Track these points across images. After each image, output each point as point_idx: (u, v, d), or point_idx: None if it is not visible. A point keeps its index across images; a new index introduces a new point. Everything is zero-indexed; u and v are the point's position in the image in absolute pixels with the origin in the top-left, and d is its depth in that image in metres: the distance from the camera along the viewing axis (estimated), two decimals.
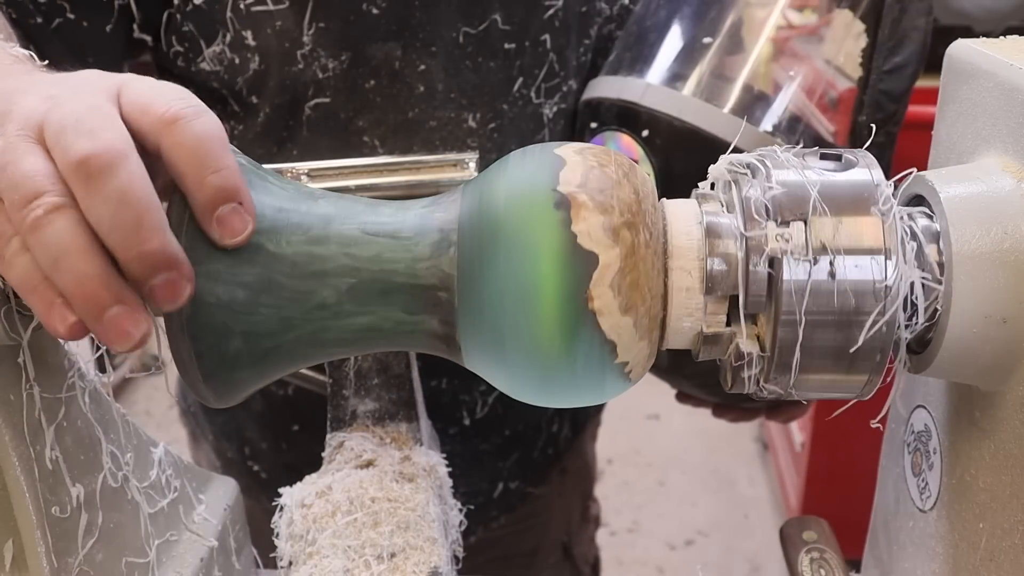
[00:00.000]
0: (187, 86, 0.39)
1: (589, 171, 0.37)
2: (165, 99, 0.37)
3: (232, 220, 0.37)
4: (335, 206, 0.40)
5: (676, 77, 0.69)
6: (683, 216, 0.39)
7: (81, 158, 0.34)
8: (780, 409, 0.86)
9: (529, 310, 0.37)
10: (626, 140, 0.69)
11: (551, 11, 0.73)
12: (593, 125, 0.72)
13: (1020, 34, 0.46)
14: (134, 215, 0.34)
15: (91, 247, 0.34)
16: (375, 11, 0.69)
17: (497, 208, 0.38)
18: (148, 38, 0.71)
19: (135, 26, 0.70)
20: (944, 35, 0.57)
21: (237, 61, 0.69)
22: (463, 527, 0.60)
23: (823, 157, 0.40)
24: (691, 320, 0.39)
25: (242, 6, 0.68)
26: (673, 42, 0.72)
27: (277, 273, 0.38)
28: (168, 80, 0.77)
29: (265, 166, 0.43)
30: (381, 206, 0.41)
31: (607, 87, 0.72)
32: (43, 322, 0.36)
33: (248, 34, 0.68)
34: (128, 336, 0.35)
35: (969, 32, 1.54)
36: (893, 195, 0.38)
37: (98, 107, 0.36)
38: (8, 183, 0.34)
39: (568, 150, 0.39)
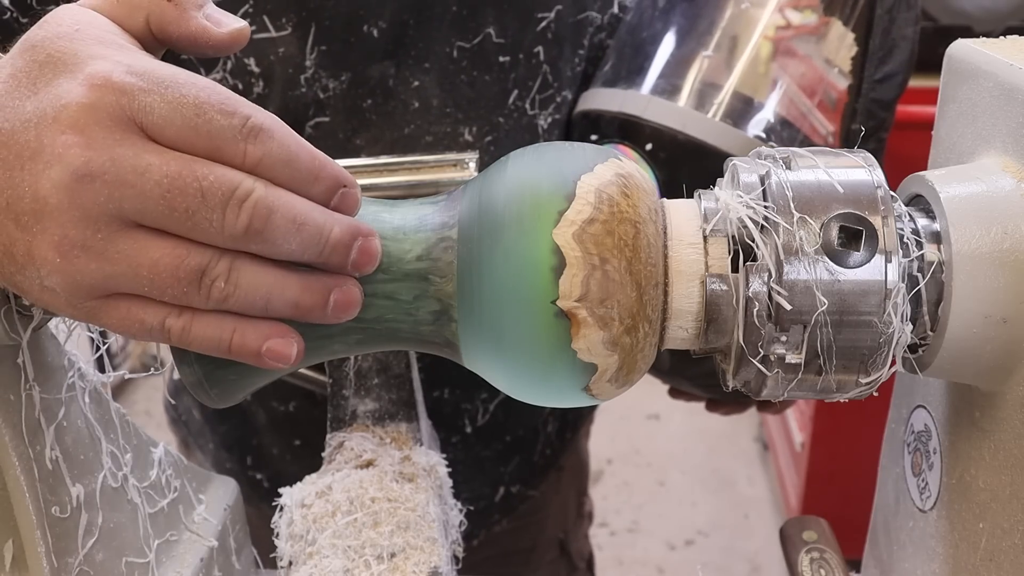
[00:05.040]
0: None
1: (591, 274, 0.36)
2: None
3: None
4: None
5: (677, 89, 0.69)
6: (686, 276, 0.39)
7: (244, 227, 0.34)
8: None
9: (527, 314, 0.37)
10: (623, 149, 0.69)
11: (544, 23, 0.72)
12: (593, 138, 0.72)
13: (1020, 34, 0.46)
14: (312, 230, 0.35)
15: (283, 271, 0.36)
16: (375, 33, 0.68)
17: (497, 209, 0.38)
18: None
19: None
20: (944, 35, 0.57)
21: (240, 87, 0.68)
22: (463, 528, 0.60)
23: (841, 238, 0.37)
24: (687, 333, 0.39)
25: None
26: (673, 54, 0.71)
27: None
28: None
29: None
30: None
31: (607, 100, 0.71)
32: (261, 365, 0.37)
33: (251, 61, 0.67)
34: (353, 302, 0.37)
35: (969, 32, 1.54)
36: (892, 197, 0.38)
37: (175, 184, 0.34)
38: (157, 273, 0.34)
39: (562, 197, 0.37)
